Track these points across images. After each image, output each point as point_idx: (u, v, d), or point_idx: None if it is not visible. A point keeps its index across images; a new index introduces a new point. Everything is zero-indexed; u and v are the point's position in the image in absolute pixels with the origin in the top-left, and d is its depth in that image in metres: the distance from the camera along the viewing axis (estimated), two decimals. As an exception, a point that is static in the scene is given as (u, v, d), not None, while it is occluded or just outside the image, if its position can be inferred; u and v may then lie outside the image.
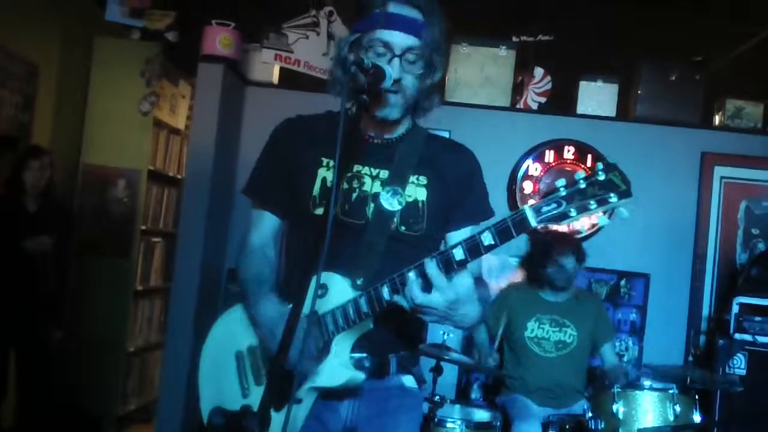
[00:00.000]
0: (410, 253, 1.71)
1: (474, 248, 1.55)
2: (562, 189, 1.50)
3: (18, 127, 4.12)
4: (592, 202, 1.48)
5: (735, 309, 3.81)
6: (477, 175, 1.92)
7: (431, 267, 1.55)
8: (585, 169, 4.18)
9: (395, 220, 1.78)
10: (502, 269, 4.12)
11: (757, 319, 3.77)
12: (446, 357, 3.26)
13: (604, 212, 1.51)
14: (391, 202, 1.77)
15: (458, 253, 1.55)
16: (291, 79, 4.34)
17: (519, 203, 4.17)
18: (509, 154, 4.25)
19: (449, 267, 1.56)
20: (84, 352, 4.49)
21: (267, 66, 4.30)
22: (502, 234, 1.53)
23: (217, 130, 3.98)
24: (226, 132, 4.12)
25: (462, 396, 4.06)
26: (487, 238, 1.54)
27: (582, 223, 4.13)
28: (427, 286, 1.56)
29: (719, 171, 4.23)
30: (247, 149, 4.30)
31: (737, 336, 3.75)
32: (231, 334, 1.88)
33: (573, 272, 3.67)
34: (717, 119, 4.43)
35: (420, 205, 1.81)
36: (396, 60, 1.71)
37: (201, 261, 3.94)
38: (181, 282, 3.96)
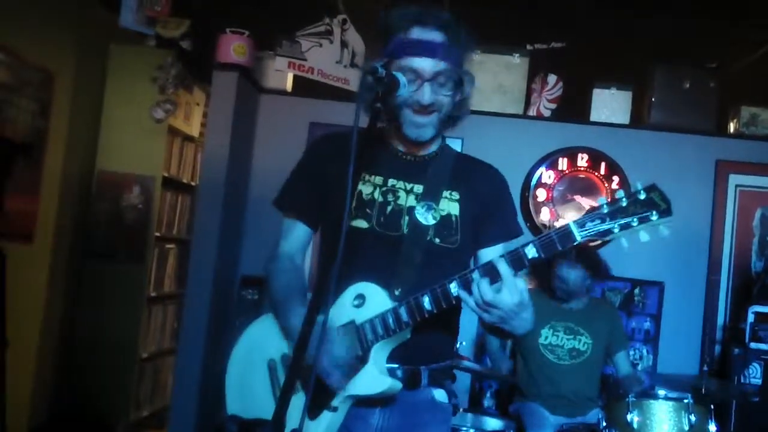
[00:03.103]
0: (445, 265, 1.77)
1: (517, 260, 1.61)
2: (604, 206, 1.57)
3: (34, 134, 4.15)
4: (634, 220, 1.56)
5: (750, 318, 3.78)
6: (507, 194, 1.98)
7: (502, 264, 1.59)
8: (600, 177, 4.17)
9: (430, 233, 1.82)
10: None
11: (773, 328, 3.74)
12: (459, 365, 3.25)
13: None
14: (426, 217, 1.82)
15: (502, 267, 1.59)
16: (304, 87, 4.35)
17: (532, 211, 4.17)
18: (522, 161, 4.25)
19: (520, 265, 1.61)
20: (97, 358, 4.50)
21: (281, 74, 4.31)
22: (547, 247, 1.60)
23: (230, 137, 4.00)
24: (239, 139, 4.14)
25: (475, 404, 4.04)
26: (531, 251, 1.61)
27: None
28: (493, 284, 1.59)
29: (734, 179, 4.20)
30: (261, 156, 4.32)
31: (753, 345, 3.73)
32: (263, 341, 1.89)
33: (575, 284, 3.63)
34: (732, 126, 4.41)
35: (453, 219, 1.85)
36: (426, 85, 1.74)
37: (214, 267, 3.95)
38: (194, 288, 3.97)
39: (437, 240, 1.82)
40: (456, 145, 4.16)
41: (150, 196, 4.67)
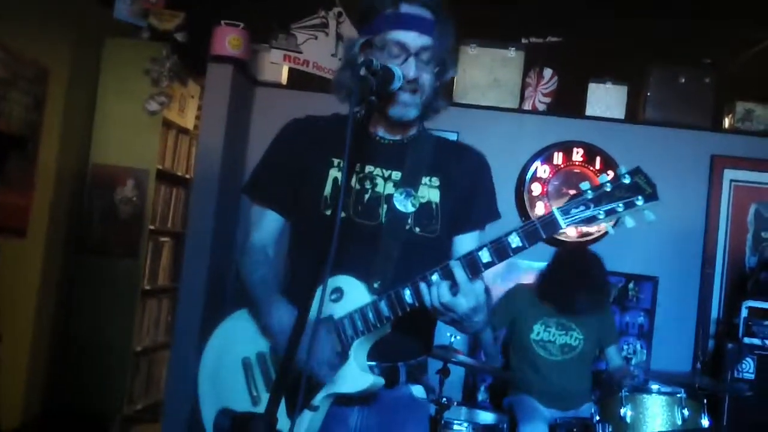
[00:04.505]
0: (425, 255, 1.71)
1: (501, 250, 1.55)
2: (588, 192, 1.52)
3: (28, 128, 4.14)
4: (619, 205, 1.51)
5: (744, 313, 3.80)
6: (487, 178, 1.91)
7: (458, 269, 1.55)
8: (595, 172, 4.17)
9: (409, 221, 1.76)
10: (509, 271, 4.10)
11: (766, 323, 3.75)
12: (453, 359, 3.26)
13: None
14: (404, 204, 1.76)
15: (484, 256, 1.56)
16: (300, 80, 4.35)
17: (527, 205, 4.17)
18: (518, 155, 4.24)
19: (475, 269, 1.56)
20: (91, 352, 4.50)
21: (276, 66, 4.30)
22: (531, 236, 1.54)
23: (225, 130, 3.98)
24: (234, 132, 4.13)
25: (469, 398, 4.05)
26: (514, 240, 1.54)
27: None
28: (453, 287, 1.55)
29: (729, 174, 4.21)
30: (256, 149, 4.31)
31: (746, 340, 3.74)
32: (235, 339, 1.83)
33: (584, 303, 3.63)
34: (727, 122, 4.41)
35: (433, 206, 1.79)
36: (412, 59, 1.71)
37: (209, 261, 3.94)
38: (189, 282, 3.97)
39: (417, 229, 1.76)
40: (451, 139, 4.19)
41: (144, 189, 4.65)
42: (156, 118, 4.60)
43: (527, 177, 4.20)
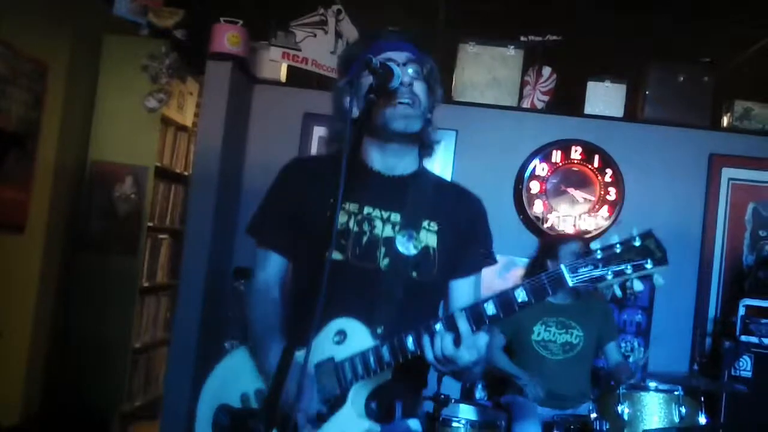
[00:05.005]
0: (422, 302, 1.73)
1: (507, 304, 1.55)
2: (598, 252, 1.53)
3: (27, 125, 4.14)
4: (628, 267, 1.52)
5: (741, 311, 3.81)
6: (484, 223, 1.92)
7: (462, 321, 1.54)
8: (593, 170, 4.17)
9: (409, 265, 1.76)
10: (507, 268, 4.11)
11: (764, 321, 3.76)
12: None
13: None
14: (407, 246, 1.76)
15: (490, 308, 1.55)
16: (299, 77, 4.35)
17: (526, 203, 4.17)
18: (516, 154, 4.25)
19: (479, 322, 1.56)
20: (90, 349, 4.50)
21: (275, 64, 4.30)
22: (537, 292, 1.54)
23: (224, 127, 3.98)
24: (233, 129, 4.13)
25: (467, 395, 4.06)
26: (520, 295, 1.55)
27: (588, 224, 4.14)
28: (456, 339, 1.55)
29: (727, 173, 4.21)
30: (255, 146, 4.31)
31: (743, 338, 3.75)
32: (236, 374, 1.84)
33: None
34: (725, 121, 4.42)
35: (431, 251, 1.79)
36: (402, 67, 1.74)
37: (208, 258, 3.94)
38: (187, 279, 3.97)
39: (414, 273, 1.76)
40: (450, 137, 4.20)
41: (143, 186, 4.66)
42: (155, 115, 4.60)
43: (526, 175, 4.20)
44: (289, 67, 4.34)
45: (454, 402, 3.35)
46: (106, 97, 4.65)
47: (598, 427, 3.16)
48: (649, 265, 1.52)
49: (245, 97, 4.30)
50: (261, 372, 1.76)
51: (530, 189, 4.20)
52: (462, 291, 1.83)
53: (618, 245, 1.52)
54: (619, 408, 3.15)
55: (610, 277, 1.51)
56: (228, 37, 3.98)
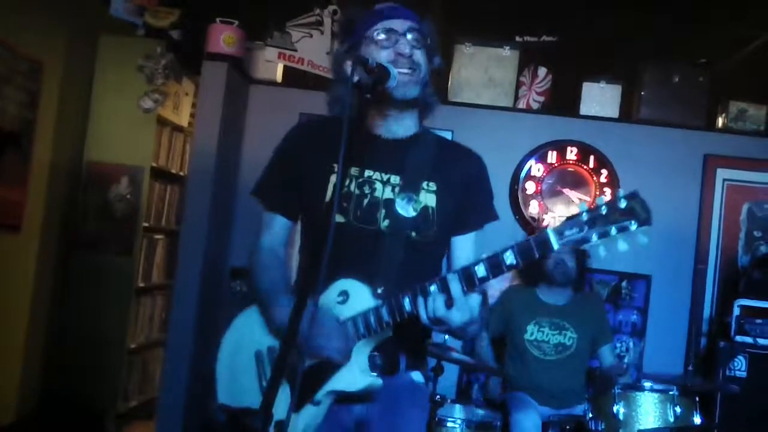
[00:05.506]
0: (422, 260, 1.77)
1: (496, 266, 1.59)
2: (584, 214, 1.56)
3: (22, 124, 4.13)
4: (612, 228, 1.54)
5: (736, 311, 3.81)
6: (484, 180, 1.95)
7: (454, 283, 1.59)
8: (588, 170, 4.18)
9: (409, 226, 1.80)
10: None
11: (758, 321, 3.77)
12: (447, 356, 3.26)
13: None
14: (406, 209, 1.80)
15: (480, 270, 1.60)
16: (294, 78, 4.35)
17: (521, 203, 4.18)
18: (512, 154, 4.26)
19: (471, 284, 1.60)
20: (85, 349, 4.49)
21: (271, 64, 4.30)
22: (524, 253, 1.58)
23: (220, 127, 3.99)
24: (229, 130, 4.13)
25: (463, 395, 4.06)
26: (509, 258, 1.58)
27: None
28: (448, 301, 1.59)
29: (722, 173, 4.23)
30: (251, 147, 4.31)
31: (738, 338, 3.76)
32: (251, 332, 1.88)
33: (572, 269, 3.66)
34: (720, 121, 4.43)
35: (430, 211, 1.83)
36: (402, 38, 1.77)
37: (203, 258, 3.95)
38: (183, 279, 3.97)
39: (414, 233, 1.80)
40: (446, 137, 4.19)
41: (139, 186, 4.65)
42: (151, 115, 4.59)
43: (521, 175, 4.21)
44: (285, 68, 4.35)
45: (449, 402, 3.36)
46: (101, 97, 4.64)
47: (593, 427, 3.17)
48: (633, 226, 1.54)
49: (241, 98, 4.30)
50: (271, 332, 1.81)
51: (526, 189, 4.21)
52: (464, 247, 1.88)
53: (603, 206, 1.55)
54: (615, 408, 3.16)
55: (594, 238, 1.55)
56: (224, 38, 3.98)
